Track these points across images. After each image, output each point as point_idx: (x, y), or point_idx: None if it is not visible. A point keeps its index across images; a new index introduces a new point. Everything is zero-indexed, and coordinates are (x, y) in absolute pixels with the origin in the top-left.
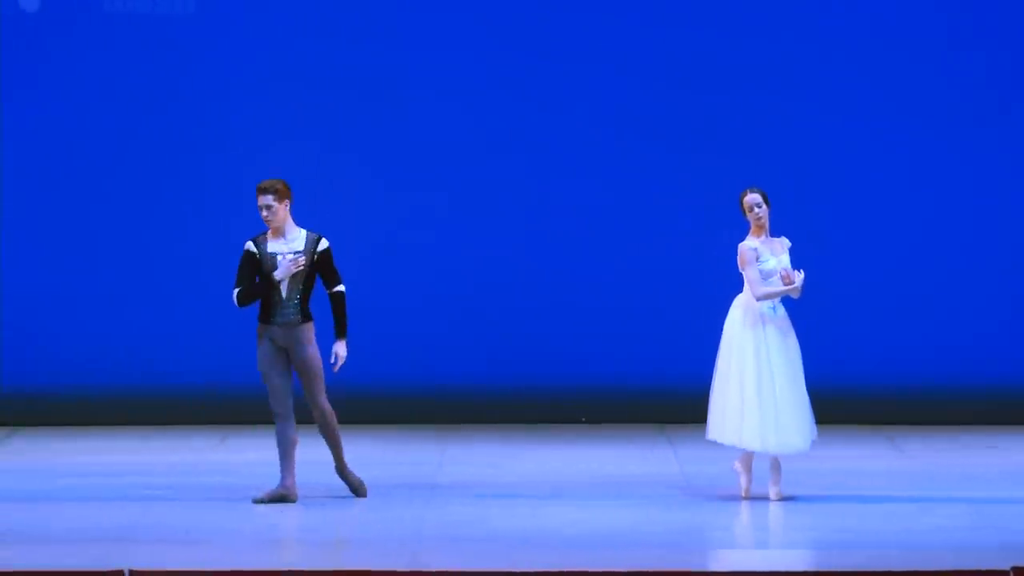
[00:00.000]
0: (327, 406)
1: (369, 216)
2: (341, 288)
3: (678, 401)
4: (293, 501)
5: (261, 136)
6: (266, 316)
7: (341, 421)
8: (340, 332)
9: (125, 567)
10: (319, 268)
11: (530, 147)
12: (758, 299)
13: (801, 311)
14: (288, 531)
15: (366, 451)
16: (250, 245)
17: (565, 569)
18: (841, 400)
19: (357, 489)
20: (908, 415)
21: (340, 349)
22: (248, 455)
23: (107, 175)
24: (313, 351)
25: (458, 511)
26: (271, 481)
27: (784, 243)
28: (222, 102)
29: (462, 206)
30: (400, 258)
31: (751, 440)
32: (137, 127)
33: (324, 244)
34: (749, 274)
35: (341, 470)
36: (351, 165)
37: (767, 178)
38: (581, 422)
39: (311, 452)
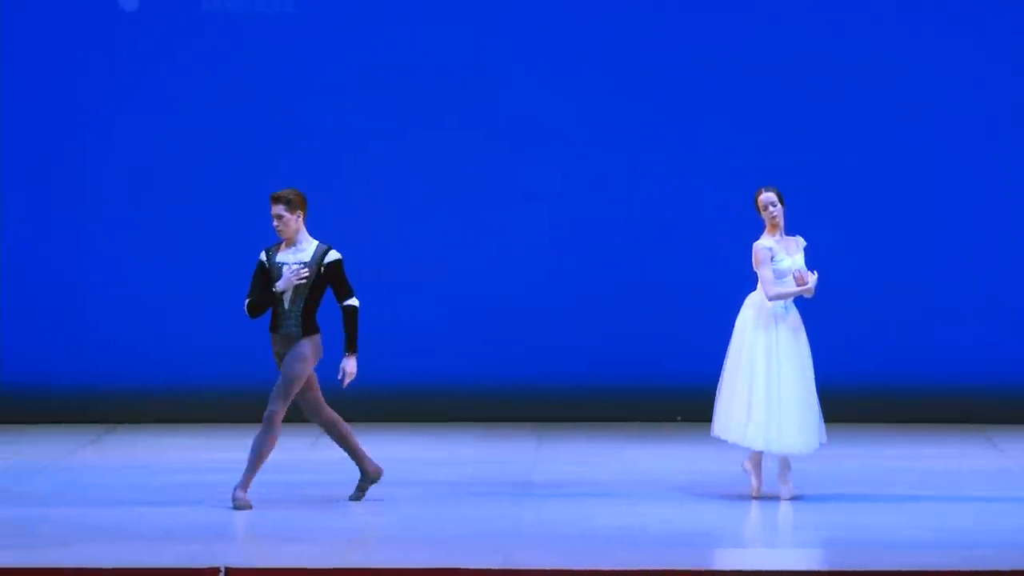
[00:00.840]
0: (272, 419)
1: (477, 214)
2: (353, 302)
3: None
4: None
5: (343, 135)
6: (272, 326)
7: (439, 419)
8: (350, 347)
9: (221, 564)
10: (328, 280)
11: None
12: (771, 299)
13: (894, 310)
14: (383, 528)
15: (462, 448)
16: (263, 255)
17: (658, 567)
18: (937, 399)
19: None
20: (1006, 415)
21: (348, 365)
22: (341, 453)
23: (204, 171)
24: (300, 366)
25: (553, 509)
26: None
27: (799, 242)
28: (311, 101)
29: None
30: (501, 256)
31: (755, 439)
32: (230, 124)
33: (333, 256)
34: (763, 273)
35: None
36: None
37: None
38: (676, 420)
39: (400, 449)
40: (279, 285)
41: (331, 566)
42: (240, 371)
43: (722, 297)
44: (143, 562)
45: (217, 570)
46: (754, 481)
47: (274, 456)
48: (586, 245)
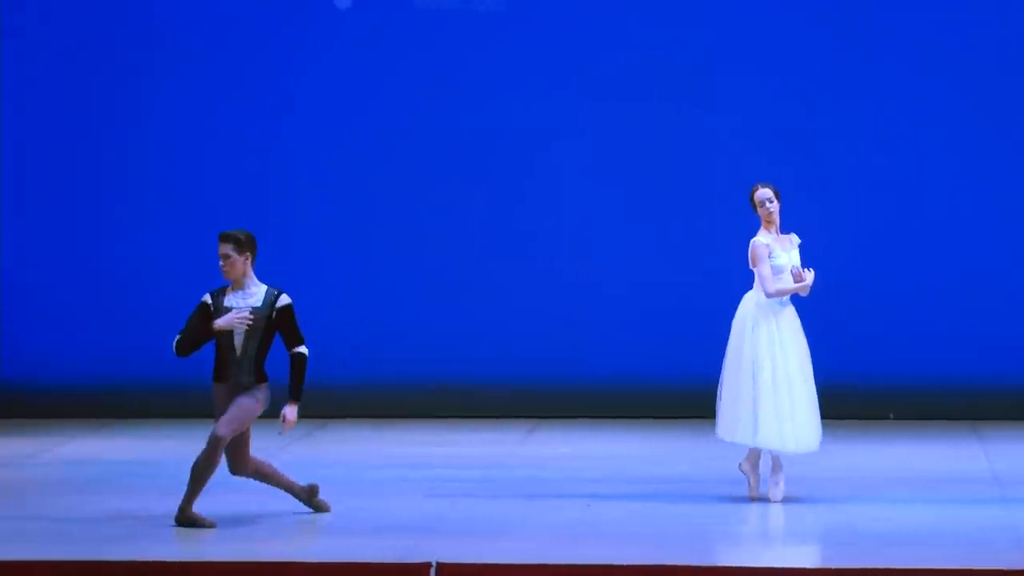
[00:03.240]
0: (219, 444)
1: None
2: (302, 349)
3: (992, 399)
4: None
5: (537, 132)
6: (219, 374)
7: (655, 416)
8: (294, 395)
9: (432, 559)
10: (278, 326)
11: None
12: (770, 296)
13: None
14: (593, 525)
15: (676, 445)
16: (207, 297)
17: (869, 566)
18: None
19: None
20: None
21: (290, 413)
22: (555, 448)
23: (432, 168)
24: (255, 406)
25: (762, 507)
26: (581, 474)
27: (793, 240)
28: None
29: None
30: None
31: (768, 439)
32: (439, 121)
33: (284, 300)
34: (762, 270)
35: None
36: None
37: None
38: (888, 418)
39: (614, 446)
40: (219, 322)
41: (542, 562)
42: (451, 368)
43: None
44: (355, 556)
45: (429, 565)
46: (752, 481)
47: (486, 451)
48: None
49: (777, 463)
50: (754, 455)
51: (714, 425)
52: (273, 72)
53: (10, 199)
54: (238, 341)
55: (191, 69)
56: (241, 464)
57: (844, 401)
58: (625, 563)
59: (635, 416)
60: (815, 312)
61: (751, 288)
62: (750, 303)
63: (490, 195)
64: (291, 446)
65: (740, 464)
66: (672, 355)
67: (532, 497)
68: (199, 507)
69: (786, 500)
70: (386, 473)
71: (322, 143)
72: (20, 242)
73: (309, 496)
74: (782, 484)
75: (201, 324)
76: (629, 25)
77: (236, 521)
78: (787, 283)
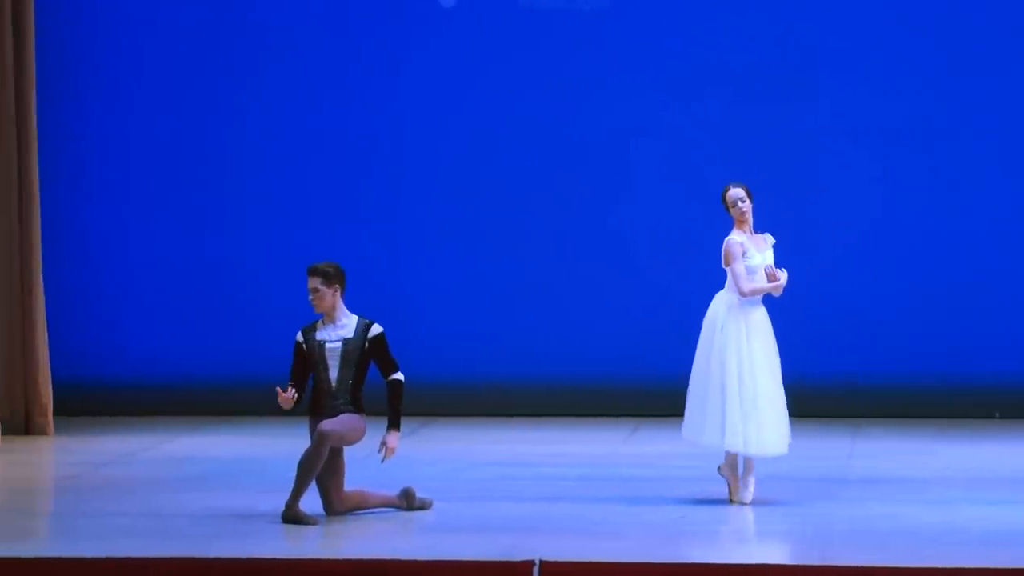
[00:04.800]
0: (319, 441)
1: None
2: (398, 376)
3: None
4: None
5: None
6: (315, 407)
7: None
8: (393, 423)
9: (535, 557)
10: (372, 355)
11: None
12: (745, 295)
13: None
14: (695, 524)
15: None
16: (298, 336)
17: (975, 566)
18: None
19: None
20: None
21: (391, 440)
22: (659, 447)
23: (530, 167)
24: (354, 419)
25: (868, 506)
26: (684, 473)
27: (768, 239)
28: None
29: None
30: (834, 247)
31: (734, 441)
32: (540, 119)
33: (376, 330)
34: (736, 269)
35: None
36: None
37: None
38: (995, 417)
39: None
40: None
41: (644, 560)
42: (555, 367)
43: None
44: (458, 554)
45: (531, 563)
46: (732, 484)
47: (589, 450)
48: (913, 238)
49: (749, 465)
50: (732, 458)
51: (812, 427)
52: (375, 70)
53: (116, 199)
54: (333, 374)
55: (293, 67)
56: (338, 501)
57: (950, 401)
58: (726, 562)
59: None
60: (924, 314)
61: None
62: (720, 303)
63: (589, 194)
64: None
65: (719, 467)
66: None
67: (634, 496)
68: (304, 505)
69: (880, 500)
70: (489, 472)
71: (422, 141)
72: (126, 242)
73: (409, 502)
74: (751, 487)
75: (304, 370)
76: (735, 24)
77: (340, 519)
78: (761, 283)
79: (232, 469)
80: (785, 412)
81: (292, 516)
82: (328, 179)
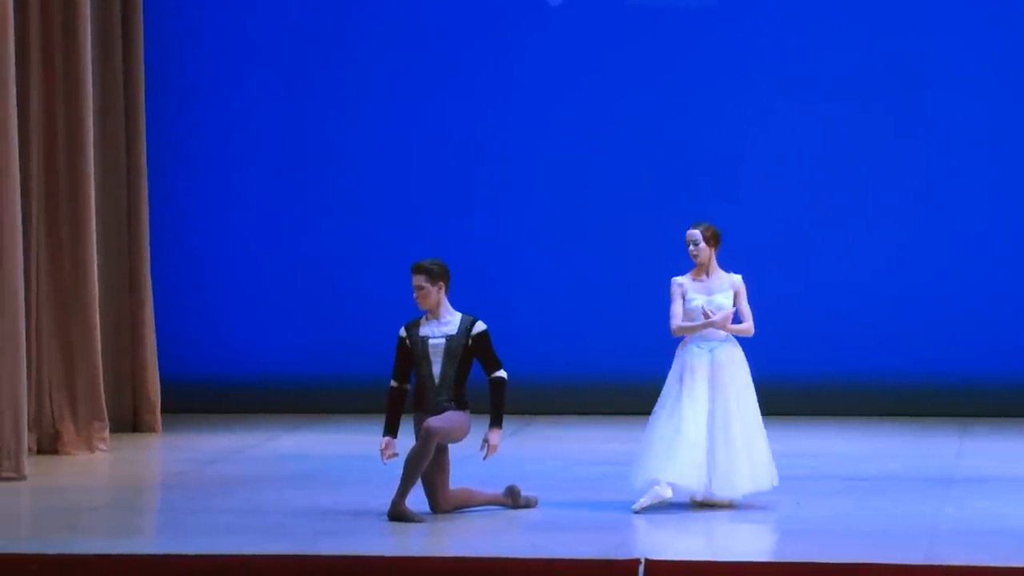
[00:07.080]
0: (425, 438)
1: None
2: (501, 374)
3: None
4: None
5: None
6: (420, 403)
7: (864, 413)
8: (495, 420)
9: (641, 556)
10: (475, 353)
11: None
12: (674, 333)
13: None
14: (803, 522)
15: (886, 443)
16: (402, 331)
17: None
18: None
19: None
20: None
21: (493, 438)
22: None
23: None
24: (460, 415)
25: (974, 505)
26: (792, 471)
27: (731, 280)
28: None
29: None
30: (910, 250)
31: (695, 482)
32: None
33: (480, 327)
34: (671, 308)
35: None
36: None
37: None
38: None
39: (824, 443)
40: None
41: (751, 559)
42: (662, 366)
43: None
44: (563, 552)
45: (637, 562)
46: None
47: None
48: (985, 239)
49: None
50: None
51: (920, 426)
52: (483, 68)
53: (223, 197)
54: (436, 370)
55: (400, 64)
56: (443, 499)
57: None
58: (831, 561)
59: (842, 415)
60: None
61: None
62: (688, 343)
63: (694, 192)
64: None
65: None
66: (885, 352)
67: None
68: (410, 502)
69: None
70: (594, 470)
71: (528, 139)
72: (233, 239)
73: (515, 500)
74: (655, 498)
75: (408, 366)
76: (841, 24)
77: (445, 517)
78: (695, 322)
79: (337, 467)
80: (748, 455)
81: (398, 514)
82: (434, 176)
